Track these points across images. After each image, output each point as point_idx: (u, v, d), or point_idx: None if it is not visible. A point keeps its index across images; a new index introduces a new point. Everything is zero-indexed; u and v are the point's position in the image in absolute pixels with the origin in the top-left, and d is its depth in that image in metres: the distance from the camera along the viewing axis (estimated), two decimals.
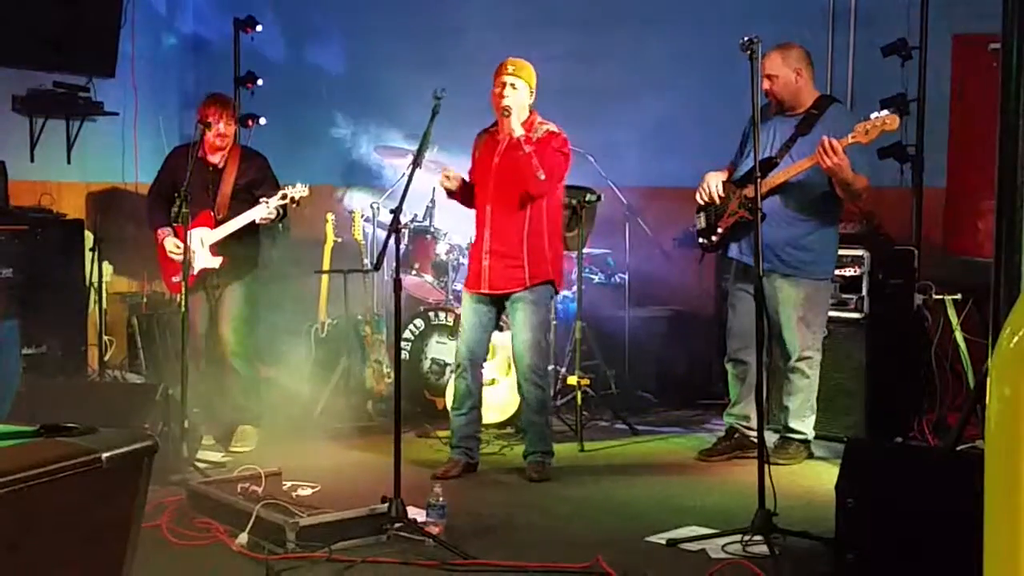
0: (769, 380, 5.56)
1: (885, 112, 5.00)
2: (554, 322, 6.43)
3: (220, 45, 7.93)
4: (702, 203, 5.59)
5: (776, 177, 5.24)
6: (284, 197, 5.62)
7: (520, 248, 5.24)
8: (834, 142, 5.01)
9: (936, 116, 6.57)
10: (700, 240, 5.69)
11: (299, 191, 5.63)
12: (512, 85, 5.21)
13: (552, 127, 5.29)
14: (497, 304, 5.37)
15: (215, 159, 5.83)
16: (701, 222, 5.66)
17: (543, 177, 5.13)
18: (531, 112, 5.31)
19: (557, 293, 5.53)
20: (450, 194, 5.44)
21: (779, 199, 5.31)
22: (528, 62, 5.33)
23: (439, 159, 6.32)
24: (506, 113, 5.16)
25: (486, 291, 5.30)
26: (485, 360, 5.52)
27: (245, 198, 5.78)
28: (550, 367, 6.39)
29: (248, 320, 5.94)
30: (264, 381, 6.18)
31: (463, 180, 5.40)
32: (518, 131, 5.16)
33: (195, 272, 5.69)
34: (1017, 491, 1.78)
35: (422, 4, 7.93)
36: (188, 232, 5.39)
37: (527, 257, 5.24)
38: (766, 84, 5.35)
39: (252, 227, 5.80)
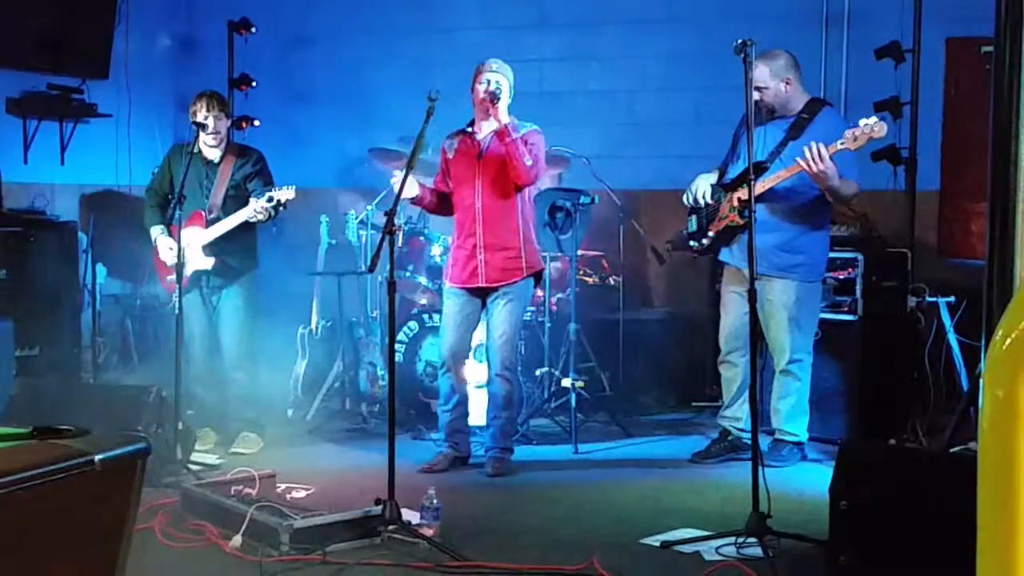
0: (762, 382, 5.56)
1: (874, 119, 4.98)
2: (549, 324, 6.45)
3: (214, 47, 7.92)
4: (689, 205, 5.61)
5: (764, 183, 5.24)
6: (270, 200, 5.56)
7: (517, 238, 5.40)
8: (821, 148, 5.01)
9: (929, 119, 6.59)
10: (691, 243, 5.70)
11: (286, 193, 5.58)
12: (497, 82, 5.36)
13: (533, 126, 5.45)
14: (483, 298, 5.47)
15: (212, 155, 5.80)
16: (692, 225, 5.68)
17: (529, 163, 5.27)
18: (509, 116, 5.42)
19: (538, 284, 5.69)
20: (413, 200, 5.48)
21: (770, 204, 5.31)
22: (507, 65, 5.47)
23: (433, 161, 6.32)
24: (497, 98, 5.27)
25: (482, 285, 5.39)
26: (467, 357, 5.63)
27: (240, 195, 5.73)
28: (543, 369, 6.43)
29: (249, 330, 5.89)
30: (259, 384, 6.16)
31: (426, 188, 5.49)
32: (506, 118, 5.30)
33: (187, 273, 5.68)
34: (1010, 493, 1.79)
35: (417, 6, 7.92)
36: (180, 233, 5.37)
37: (523, 246, 5.41)
38: (756, 95, 5.31)
39: (248, 226, 5.75)
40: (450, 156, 5.52)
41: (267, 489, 4.63)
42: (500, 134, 5.29)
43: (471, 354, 5.87)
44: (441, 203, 5.57)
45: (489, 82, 5.34)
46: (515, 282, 5.40)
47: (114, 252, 7.23)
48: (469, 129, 5.52)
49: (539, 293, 6.20)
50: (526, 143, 5.32)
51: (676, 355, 7.14)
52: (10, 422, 3.35)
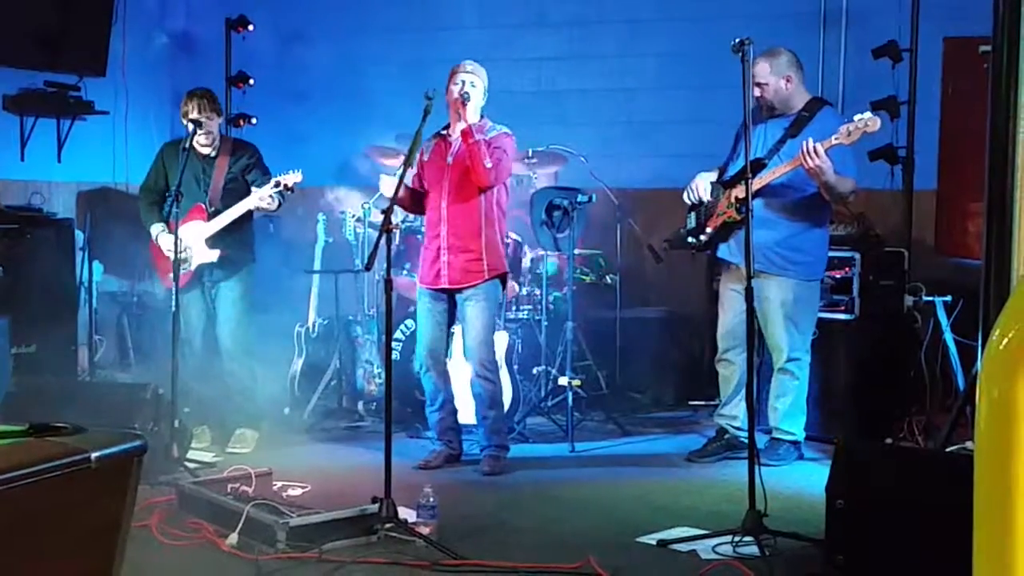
0: (759, 381, 5.57)
1: (868, 114, 4.99)
2: (546, 323, 6.45)
3: (211, 44, 7.92)
4: (689, 203, 5.61)
5: (761, 179, 5.24)
6: (277, 184, 5.57)
7: (478, 241, 5.40)
8: (817, 145, 5.02)
9: (926, 118, 6.59)
10: (689, 239, 5.70)
11: (292, 177, 5.57)
12: (471, 83, 5.39)
13: (504, 128, 5.47)
14: (452, 298, 5.50)
15: (207, 150, 5.80)
16: (691, 221, 5.68)
17: (489, 165, 5.28)
18: (482, 118, 5.47)
19: (505, 286, 5.69)
20: (393, 200, 5.49)
21: (767, 200, 5.31)
22: (482, 67, 5.50)
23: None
24: (466, 99, 5.31)
25: (445, 286, 5.44)
26: (445, 354, 5.63)
27: (238, 187, 5.74)
28: (540, 367, 6.43)
29: (245, 322, 5.88)
30: (257, 382, 6.16)
31: (404, 186, 5.41)
32: (473, 119, 5.35)
33: (192, 268, 5.67)
34: (1007, 493, 1.79)
35: (414, 4, 7.93)
36: (178, 228, 5.34)
37: (485, 249, 5.41)
38: (756, 91, 5.35)
39: (246, 219, 5.75)
40: (425, 158, 5.55)
41: (263, 487, 4.63)
42: (464, 134, 5.31)
43: (462, 353, 5.87)
44: (415, 202, 5.59)
45: (463, 83, 5.38)
46: (477, 284, 5.41)
47: (111, 249, 7.22)
48: (444, 132, 5.55)
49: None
50: (490, 145, 5.33)
51: (673, 353, 7.15)
52: (6, 419, 3.36)
